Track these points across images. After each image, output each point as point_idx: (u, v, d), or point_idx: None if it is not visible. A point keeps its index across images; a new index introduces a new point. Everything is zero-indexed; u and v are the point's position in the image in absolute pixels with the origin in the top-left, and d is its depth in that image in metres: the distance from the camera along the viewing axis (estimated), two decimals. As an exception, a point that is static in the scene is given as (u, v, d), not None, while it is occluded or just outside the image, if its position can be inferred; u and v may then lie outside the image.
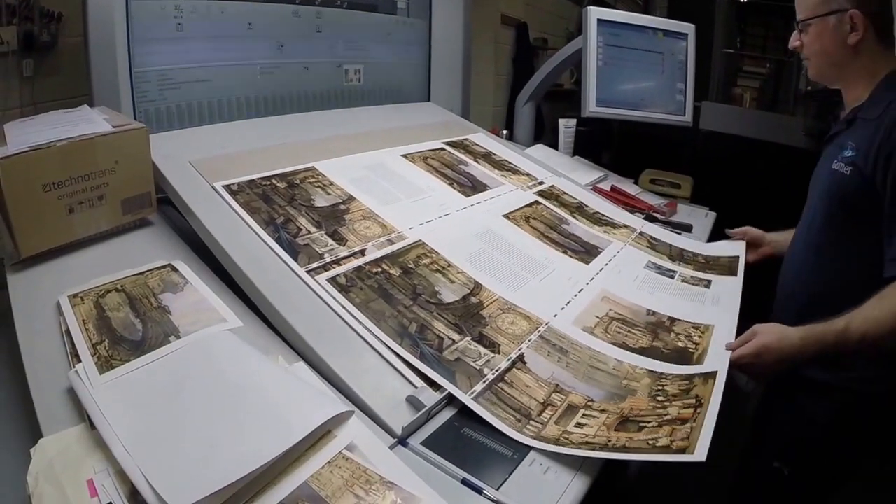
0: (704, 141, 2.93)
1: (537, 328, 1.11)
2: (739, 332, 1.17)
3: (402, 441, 0.80)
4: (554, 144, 2.51)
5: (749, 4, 4.00)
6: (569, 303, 1.23)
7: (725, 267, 1.54)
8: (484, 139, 2.01)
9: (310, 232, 1.18)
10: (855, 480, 1.34)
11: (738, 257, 1.57)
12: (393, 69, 2.11)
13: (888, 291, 1.08)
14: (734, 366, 1.07)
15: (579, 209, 1.74)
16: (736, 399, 1.23)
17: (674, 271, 1.48)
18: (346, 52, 1.91)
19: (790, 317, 1.17)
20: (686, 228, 1.82)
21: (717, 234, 1.83)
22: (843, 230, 1.26)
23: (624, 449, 0.81)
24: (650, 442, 0.81)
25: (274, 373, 0.78)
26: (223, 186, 1.23)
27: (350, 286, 1.06)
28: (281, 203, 1.24)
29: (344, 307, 1.00)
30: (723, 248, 1.66)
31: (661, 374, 1.04)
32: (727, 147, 2.85)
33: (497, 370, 0.97)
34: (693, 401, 0.91)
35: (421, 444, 0.80)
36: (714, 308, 1.31)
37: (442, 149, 1.79)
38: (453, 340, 1.02)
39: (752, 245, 1.64)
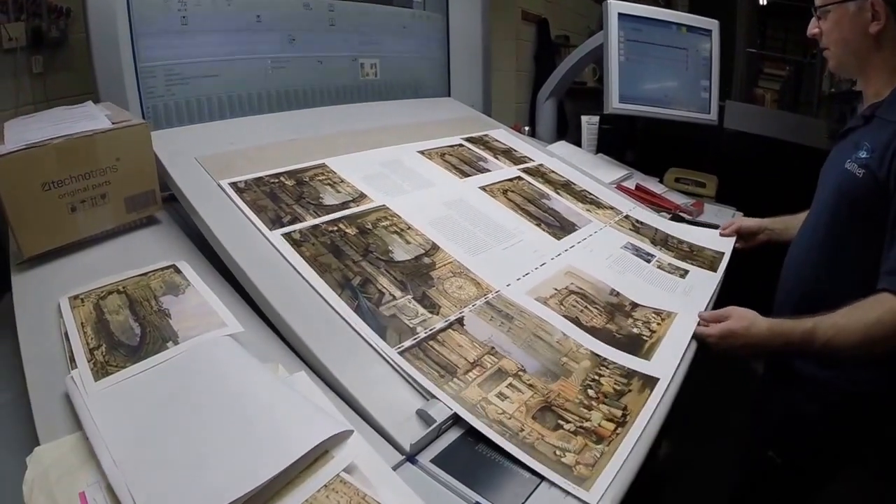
0: (729, 140, 2.86)
1: (485, 295, 1.08)
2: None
3: (411, 458, 0.74)
4: (577, 142, 2.45)
5: (769, 7, 3.92)
6: (527, 274, 1.19)
7: (707, 260, 1.49)
8: (505, 135, 1.95)
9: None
10: (844, 475, 1.35)
11: (723, 254, 1.53)
12: (411, 63, 2.07)
13: (864, 303, 1.07)
14: (699, 339, 1.12)
15: (565, 186, 1.70)
16: (740, 384, 1.21)
17: (652, 255, 1.44)
18: (361, 45, 1.87)
19: (787, 313, 1.17)
20: (713, 228, 1.75)
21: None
22: (848, 231, 1.21)
23: (530, 450, 0.76)
24: (557, 453, 0.77)
25: (271, 385, 0.73)
26: (229, 184, 1.19)
27: (303, 241, 1.08)
28: (288, 201, 1.19)
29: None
30: (713, 240, 1.61)
31: (604, 359, 1.00)
32: (751, 147, 2.79)
33: (431, 329, 0.95)
34: (619, 412, 0.87)
35: (431, 461, 0.74)
36: (683, 298, 1.27)
37: (461, 145, 1.74)
38: (394, 297, 1.01)
39: (746, 236, 1.62)
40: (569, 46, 3.77)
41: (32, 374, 0.78)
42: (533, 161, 1.81)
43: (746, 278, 1.50)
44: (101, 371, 0.76)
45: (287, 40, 1.66)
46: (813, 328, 1.08)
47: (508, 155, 1.79)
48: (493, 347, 0.94)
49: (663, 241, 1.55)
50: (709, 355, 1.12)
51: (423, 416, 0.78)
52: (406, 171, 1.46)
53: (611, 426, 0.84)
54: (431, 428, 0.76)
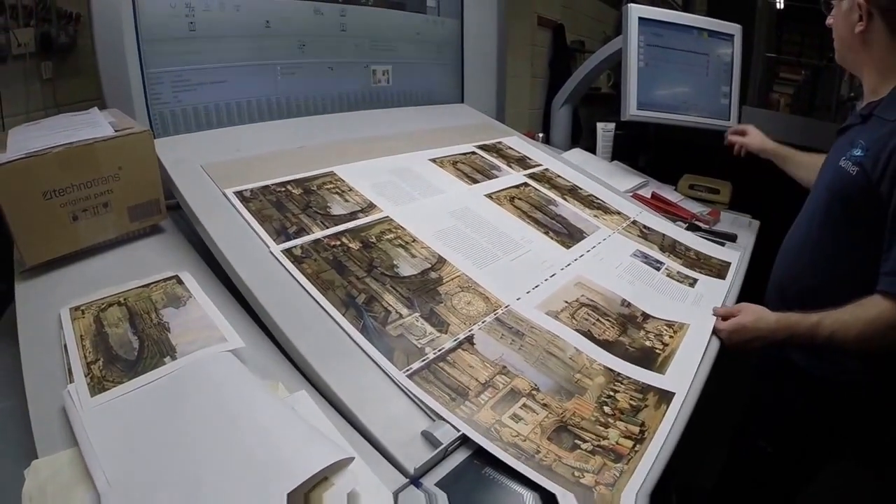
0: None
1: (495, 311, 1.05)
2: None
3: (415, 481, 0.70)
4: (591, 149, 2.41)
5: (786, 11, 3.86)
6: (537, 286, 1.16)
7: (715, 268, 1.47)
8: (519, 143, 1.92)
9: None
10: (833, 465, 1.40)
11: (730, 264, 1.51)
12: (424, 70, 2.04)
13: (867, 301, 1.10)
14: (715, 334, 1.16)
15: (572, 191, 1.67)
16: (735, 374, 1.30)
17: (661, 263, 1.41)
18: (372, 51, 1.84)
19: (775, 305, 1.21)
20: (731, 238, 1.71)
21: (759, 245, 1.73)
22: (841, 228, 1.23)
23: (548, 472, 0.73)
24: (576, 474, 0.74)
25: (270, 406, 0.70)
26: (234, 193, 1.17)
27: (304, 257, 1.05)
28: (295, 211, 1.17)
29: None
30: (718, 251, 1.59)
31: (618, 374, 0.97)
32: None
33: (440, 350, 0.92)
34: (637, 429, 0.85)
35: (436, 484, 0.70)
36: (694, 308, 1.24)
37: (473, 152, 1.71)
38: (400, 315, 0.97)
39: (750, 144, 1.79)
40: (584, 52, 3.74)
41: (32, 385, 0.77)
42: (540, 165, 1.78)
43: (750, 279, 1.49)
44: (97, 386, 0.74)
45: (297, 46, 1.63)
46: (818, 322, 1.12)
47: (522, 163, 1.75)
48: (504, 366, 0.91)
49: (671, 247, 1.52)
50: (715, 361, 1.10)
51: (429, 438, 0.75)
52: (417, 180, 1.43)
53: (629, 443, 0.81)
54: (437, 450, 0.73)
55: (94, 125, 1.08)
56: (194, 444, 0.64)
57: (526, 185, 1.60)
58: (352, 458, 0.63)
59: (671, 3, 4.29)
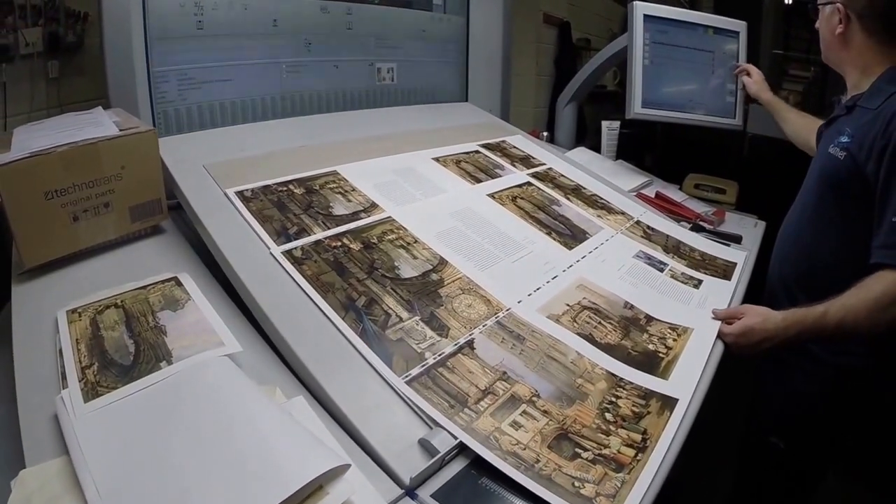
0: (750, 145, 2.79)
1: (496, 314, 1.04)
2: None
3: (410, 493, 0.70)
4: (596, 147, 2.40)
5: (794, 7, 3.82)
6: (538, 289, 1.15)
7: (720, 269, 1.46)
8: (522, 141, 1.91)
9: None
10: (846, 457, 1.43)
11: (735, 264, 1.51)
12: (428, 68, 2.04)
13: (867, 281, 1.12)
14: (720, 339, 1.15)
15: (575, 191, 1.66)
16: (738, 369, 1.28)
17: (665, 264, 1.40)
18: (378, 49, 1.84)
19: (778, 294, 1.27)
20: (735, 240, 1.70)
21: (766, 247, 1.70)
22: (833, 213, 1.29)
23: (548, 483, 0.72)
24: (576, 484, 0.73)
25: (266, 412, 0.69)
26: (236, 193, 1.16)
27: (305, 259, 1.04)
28: (296, 211, 1.16)
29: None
30: (723, 251, 1.58)
31: (620, 379, 0.96)
32: (774, 151, 2.71)
33: (440, 354, 0.91)
34: (639, 437, 0.83)
35: (431, 496, 0.70)
36: (698, 311, 1.23)
37: (477, 151, 1.70)
38: (400, 318, 0.97)
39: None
40: (590, 50, 3.71)
41: (24, 391, 0.76)
42: (543, 164, 1.77)
43: (753, 278, 1.49)
44: (91, 392, 0.74)
45: (303, 44, 1.63)
46: (825, 312, 1.13)
47: (526, 162, 1.75)
48: (505, 372, 0.90)
49: (675, 247, 1.51)
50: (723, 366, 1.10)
51: (426, 446, 0.74)
52: (420, 180, 1.42)
53: (631, 452, 0.80)
54: (434, 460, 0.72)
55: (98, 124, 1.08)
56: (187, 453, 0.63)
57: (529, 184, 1.59)
58: (348, 466, 0.63)
59: (679, 0, 4.26)
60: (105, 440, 0.67)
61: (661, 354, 1.04)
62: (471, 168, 1.58)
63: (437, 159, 1.57)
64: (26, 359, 0.81)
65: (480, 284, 1.10)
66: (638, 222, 1.59)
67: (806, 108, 3.55)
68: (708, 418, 0.91)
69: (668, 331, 1.12)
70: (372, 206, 1.25)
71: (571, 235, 1.39)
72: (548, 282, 1.18)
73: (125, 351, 0.81)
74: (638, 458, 0.79)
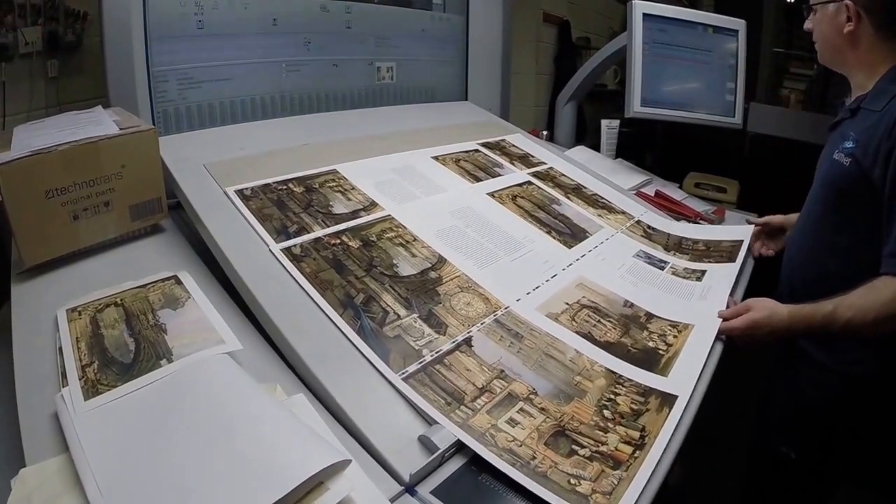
0: (752, 144, 2.79)
1: (494, 312, 1.04)
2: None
3: (410, 489, 0.70)
4: (596, 146, 2.40)
5: (795, 6, 3.82)
6: (537, 287, 1.15)
7: (725, 252, 1.47)
8: (521, 140, 1.91)
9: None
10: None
11: (741, 242, 1.51)
12: (428, 67, 2.03)
13: (878, 283, 1.10)
14: (724, 335, 1.14)
15: (576, 190, 1.66)
16: (746, 373, 1.32)
17: (665, 262, 1.40)
18: (377, 48, 1.84)
19: (786, 300, 1.20)
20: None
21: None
22: (840, 219, 1.26)
23: (543, 479, 0.72)
24: (572, 481, 0.73)
25: (267, 408, 0.69)
26: (235, 192, 1.16)
27: (304, 256, 1.04)
28: (296, 210, 1.16)
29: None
30: (729, 232, 1.59)
31: (619, 376, 0.96)
32: (775, 150, 2.72)
33: (437, 352, 0.91)
34: (637, 434, 0.83)
35: (431, 492, 0.70)
36: (700, 304, 1.24)
37: (476, 150, 1.70)
38: (398, 315, 0.97)
39: (776, 233, 1.61)
40: (590, 49, 3.71)
41: (24, 390, 0.76)
42: (544, 164, 1.77)
43: (758, 275, 1.49)
44: (91, 390, 0.73)
45: (302, 43, 1.63)
46: (833, 311, 1.11)
47: (525, 160, 1.75)
48: (502, 370, 0.90)
49: (677, 244, 1.52)
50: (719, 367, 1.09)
51: (425, 443, 0.75)
52: (419, 178, 1.43)
53: (628, 449, 0.80)
54: (434, 456, 0.72)
55: (98, 123, 1.08)
56: (188, 450, 0.63)
57: (529, 183, 1.59)
58: (349, 462, 0.63)
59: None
60: (105, 437, 0.67)
61: (660, 351, 1.04)
62: (470, 167, 1.58)
63: (436, 158, 1.57)
64: (26, 358, 0.81)
65: (479, 283, 1.10)
66: (638, 222, 1.59)
67: (808, 107, 3.55)
68: (714, 422, 0.90)
69: (669, 328, 1.12)
70: (371, 205, 1.25)
71: (571, 234, 1.39)
72: (547, 280, 1.18)
73: (125, 349, 0.81)
74: (636, 455, 0.79)
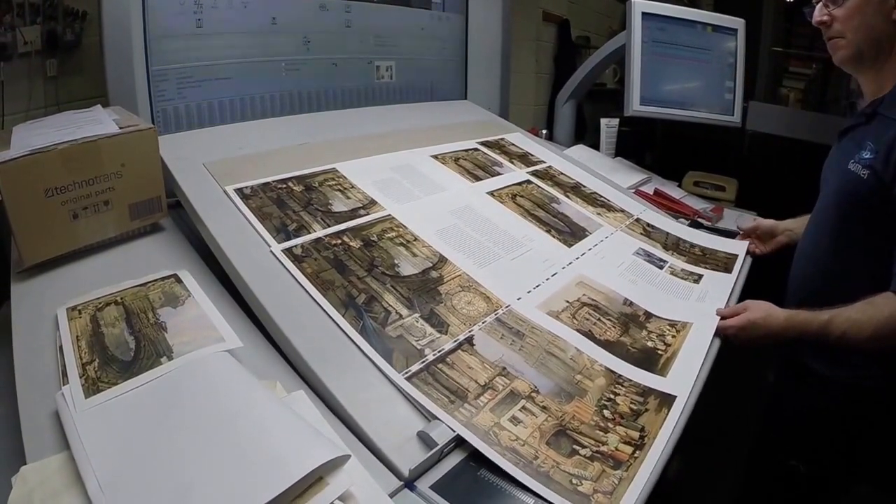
0: (751, 142, 2.80)
1: (495, 311, 1.04)
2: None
3: (409, 484, 0.70)
4: (595, 145, 2.40)
5: (795, 5, 3.82)
6: (538, 286, 1.15)
7: (721, 262, 1.46)
8: (521, 139, 1.92)
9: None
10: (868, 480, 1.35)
11: (736, 256, 1.50)
12: (427, 66, 2.04)
13: (878, 299, 1.08)
14: (721, 333, 1.13)
15: (575, 189, 1.66)
16: (746, 377, 1.31)
17: (664, 261, 1.40)
18: (377, 47, 1.84)
19: (789, 306, 1.18)
20: (732, 235, 1.70)
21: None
22: (854, 232, 1.20)
23: (546, 479, 0.72)
24: (573, 481, 0.73)
25: (267, 404, 0.70)
26: (235, 190, 1.16)
27: (305, 256, 1.04)
28: (295, 208, 1.16)
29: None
30: (724, 244, 1.58)
31: (619, 375, 0.96)
32: (774, 149, 2.72)
33: (440, 351, 0.91)
34: (637, 434, 0.83)
35: (430, 487, 0.70)
36: (698, 305, 1.24)
37: (475, 149, 1.71)
38: (400, 315, 0.97)
39: (765, 237, 1.59)
40: (590, 48, 3.71)
41: (24, 388, 0.76)
42: (544, 163, 1.77)
43: (758, 279, 1.48)
44: (92, 387, 0.74)
45: (302, 42, 1.63)
46: (829, 321, 1.10)
47: (524, 159, 1.75)
48: (504, 368, 0.91)
49: (675, 244, 1.52)
50: (721, 367, 1.09)
51: (424, 439, 0.75)
52: (418, 177, 1.43)
53: (628, 449, 0.80)
54: (432, 452, 0.72)
55: (97, 122, 1.08)
56: (188, 446, 0.64)
57: (529, 182, 1.59)
58: (348, 457, 0.63)
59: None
60: (106, 434, 0.67)
61: (659, 351, 1.05)
62: (469, 165, 1.58)
63: (435, 157, 1.57)
64: (26, 357, 0.81)
65: (480, 282, 1.11)
66: (638, 220, 1.60)
67: (807, 106, 3.56)
68: (714, 422, 0.89)
69: (667, 328, 1.12)
70: (371, 203, 1.25)
71: (571, 233, 1.39)
72: (547, 279, 1.18)
73: (126, 347, 0.81)
74: (635, 455, 0.79)
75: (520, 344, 0.97)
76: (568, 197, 1.57)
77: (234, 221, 1.09)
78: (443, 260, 1.14)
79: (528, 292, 1.12)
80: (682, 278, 1.34)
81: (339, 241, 1.10)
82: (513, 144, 1.84)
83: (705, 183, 2.23)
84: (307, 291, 0.96)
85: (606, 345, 1.03)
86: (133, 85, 1.31)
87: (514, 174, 1.62)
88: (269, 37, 1.55)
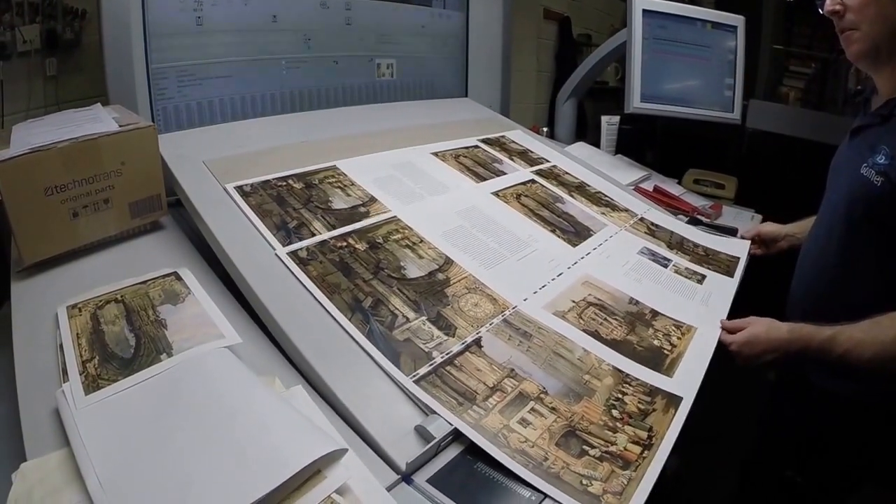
0: (751, 140, 2.80)
1: (502, 312, 1.04)
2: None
3: (406, 478, 0.70)
4: (596, 143, 2.40)
5: (795, 4, 3.82)
6: (544, 286, 1.15)
7: (723, 264, 1.46)
8: (522, 136, 1.91)
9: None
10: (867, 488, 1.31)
11: (738, 259, 1.49)
12: (428, 63, 2.03)
13: (884, 320, 1.04)
14: (723, 348, 1.11)
15: (579, 188, 1.66)
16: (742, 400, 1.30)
17: (669, 260, 1.40)
18: (377, 45, 1.84)
19: (798, 318, 1.16)
20: (731, 232, 1.70)
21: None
22: (864, 239, 1.15)
23: (556, 481, 0.72)
24: (583, 482, 0.73)
25: (265, 399, 0.70)
26: (235, 188, 1.16)
27: (310, 259, 1.03)
28: (296, 205, 1.16)
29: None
30: (726, 245, 1.57)
31: (626, 375, 0.96)
32: (774, 147, 2.73)
33: (447, 353, 0.91)
34: (645, 434, 0.83)
35: (427, 481, 0.70)
36: (702, 308, 1.23)
37: (476, 146, 1.70)
38: (407, 319, 0.96)
39: (767, 242, 1.58)
40: (591, 45, 3.71)
41: (24, 386, 0.76)
42: (547, 162, 1.77)
43: (761, 283, 1.46)
44: (92, 384, 0.74)
45: (302, 40, 1.63)
46: (832, 338, 1.06)
47: (524, 156, 1.75)
48: (512, 369, 0.90)
49: (679, 244, 1.51)
50: (723, 370, 1.09)
51: (422, 433, 0.75)
52: (418, 174, 1.43)
53: (637, 449, 0.80)
54: (430, 445, 0.72)
55: (97, 120, 1.08)
56: (187, 442, 0.64)
57: (533, 182, 1.59)
58: (345, 450, 0.64)
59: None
60: (106, 431, 0.67)
61: (665, 351, 1.04)
62: (469, 162, 1.58)
63: (435, 154, 1.57)
64: (27, 355, 0.81)
65: (486, 283, 1.10)
66: (642, 219, 1.60)
67: (806, 104, 3.56)
68: (714, 422, 0.89)
69: (673, 328, 1.12)
70: (371, 201, 1.25)
71: (576, 233, 1.39)
72: (553, 279, 1.18)
73: (126, 344, 0.81)
74: (644, 455, 0.79)
75: (527, 345, 0.97)
76: (572, 196, 1.57)
77: (234, 219, 1.09)
78: (449, 262, 1.13)
79: (535, 293, 1.12)
80: (687, 277, 1.34)
81: (345, 244, 1.10)
82: (513, 142, 1.84)
83: (705, 180, 2.23)
84: (313, 295, 0.95)
85: (613, 344, 1.03)
86: (133, 83, 1.31)
87: (519, 174, 1.61)
88: (270, 34, 1.55)
